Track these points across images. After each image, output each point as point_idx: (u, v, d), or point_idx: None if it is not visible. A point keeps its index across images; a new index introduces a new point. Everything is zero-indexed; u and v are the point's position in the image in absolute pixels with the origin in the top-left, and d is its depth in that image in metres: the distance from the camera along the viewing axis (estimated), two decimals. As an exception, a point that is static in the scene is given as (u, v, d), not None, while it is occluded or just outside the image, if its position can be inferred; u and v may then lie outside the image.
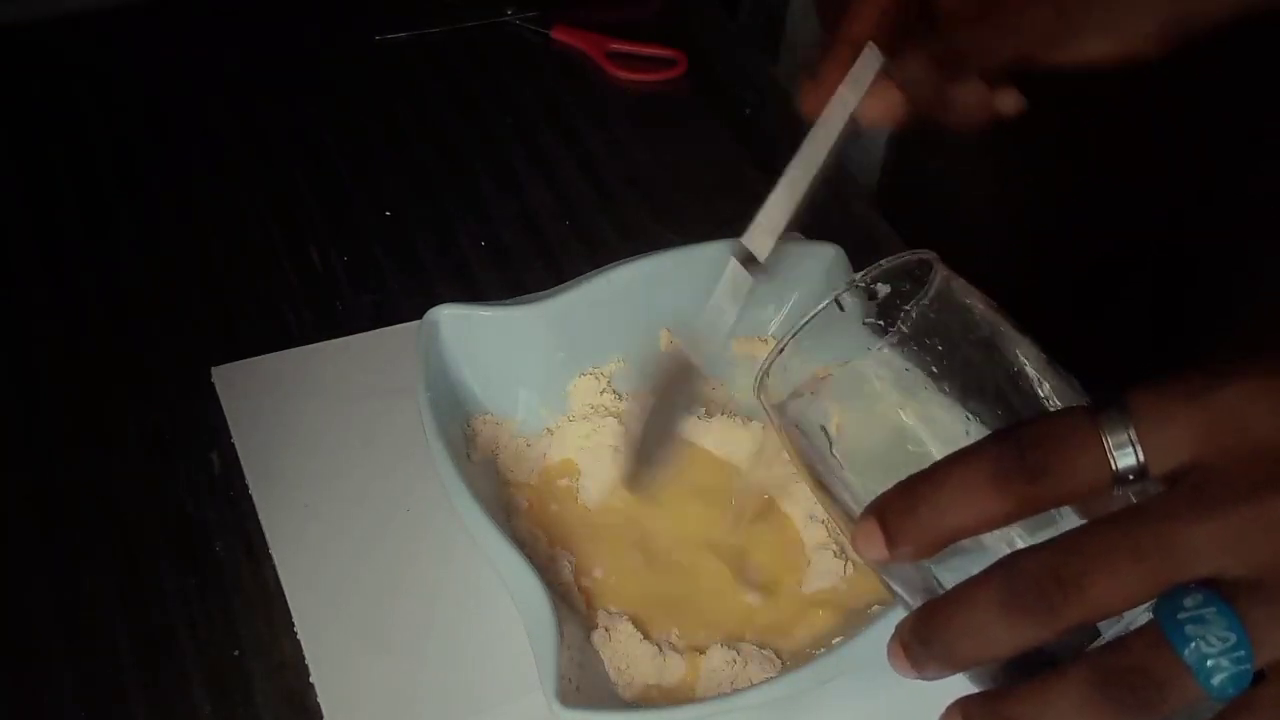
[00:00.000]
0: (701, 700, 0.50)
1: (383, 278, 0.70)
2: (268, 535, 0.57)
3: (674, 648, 0.53)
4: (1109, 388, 0.35)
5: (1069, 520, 0.35)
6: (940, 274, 0.39)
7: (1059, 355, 0.39)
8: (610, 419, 0.59)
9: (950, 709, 0.35)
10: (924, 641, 0.35)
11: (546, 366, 0.60)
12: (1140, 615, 0.33)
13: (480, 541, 0.51)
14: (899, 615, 0.50)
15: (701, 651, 0.53)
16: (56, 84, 0.80)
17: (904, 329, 0.38)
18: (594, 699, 0.49)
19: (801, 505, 0.59)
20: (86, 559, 0.56)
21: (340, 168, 0.76)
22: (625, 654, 0.52)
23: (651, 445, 0.56)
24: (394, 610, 0.55)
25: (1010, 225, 0.79)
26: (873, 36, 0.52)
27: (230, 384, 0.63)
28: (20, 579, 0.55)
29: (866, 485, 0.38)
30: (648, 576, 0.56)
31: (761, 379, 0.41)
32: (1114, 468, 0.33)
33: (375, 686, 0.52)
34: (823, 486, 0.39)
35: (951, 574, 0.36)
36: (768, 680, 0.50)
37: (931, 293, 0.39)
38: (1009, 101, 0.53)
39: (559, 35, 0.86)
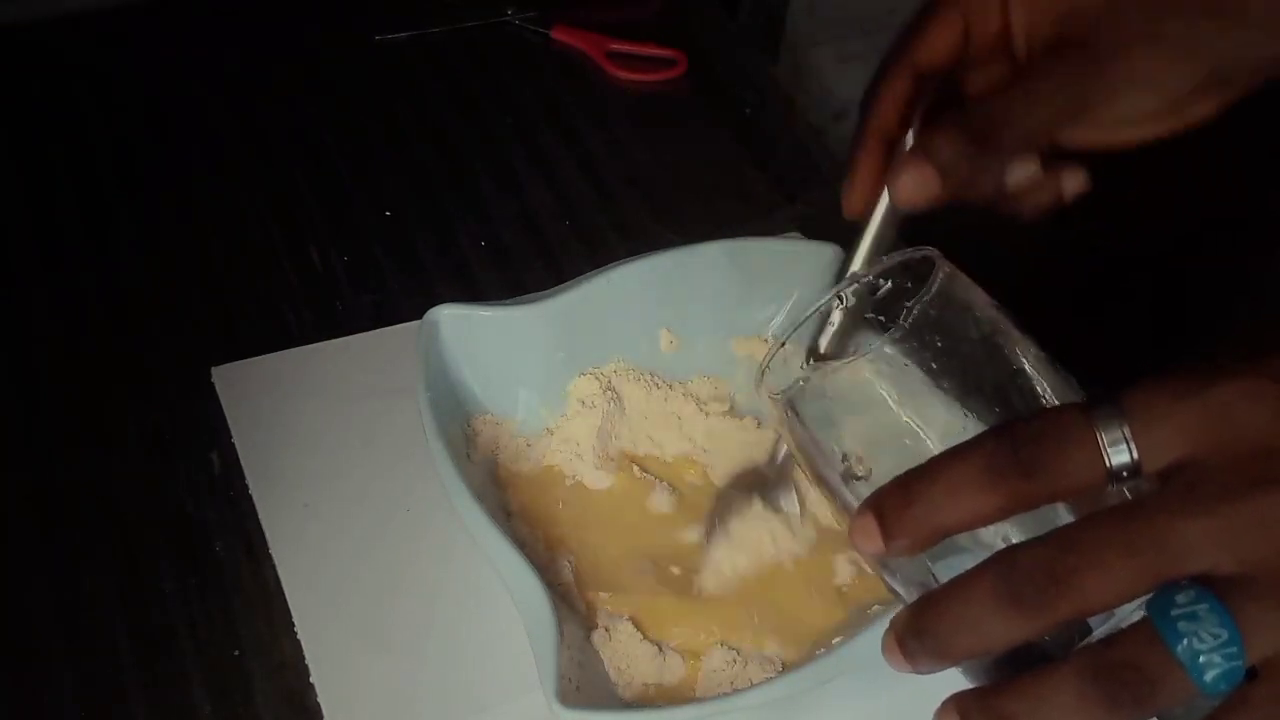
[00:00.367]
0: (701, 700, 0.50)
1: (383, 278, 0.70)
2: (268, 535, 0.57)
3: (674, 648, 0.53)
4: (1108, 387, 0.35)
5: (1064, 518, 0.36)
6: (943, 271, 0.39)
7: (1059, 355, 0.39)
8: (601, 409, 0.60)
9: (945, 705, 0.36)
10: (918, 634, 0.35)
11: (546, 366, 0.60)
12: (1133, 612, 0.34)
13: (480, 541, 0.51)
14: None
15: (701, 652, 0.53)
16: (56, 84, 0.80)
17: (905, 325, 0.38)
18: (594, 699, 0.49)
19: (808, 509, 0.59)
20: (86, 559, 0.56)
21: (340, 168, 0.76)
22: (625, 654, 0.52)
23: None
24: (394, 610, 0.55)
25: (1010, 225, 0.79)
26: (900, 122, 0.50)
27: (230, 384, 0.63)
28: (20, 579, 0.55)
29: (864, 479, 0.38)
30: (648, 577, 0.56)
31: (762, 373, 0.41)
32: (1108, 465, 0.33)
33: (375, 686, 0.52)
34: (822, 480, 0.40)
35: (948, 571, 0.36)
36: (768, 680, 0.50)
37: (934, 289, 0.39)
38: (1073, 181, 0.51)
39: (559, 35, 0.86)
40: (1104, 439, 0.33)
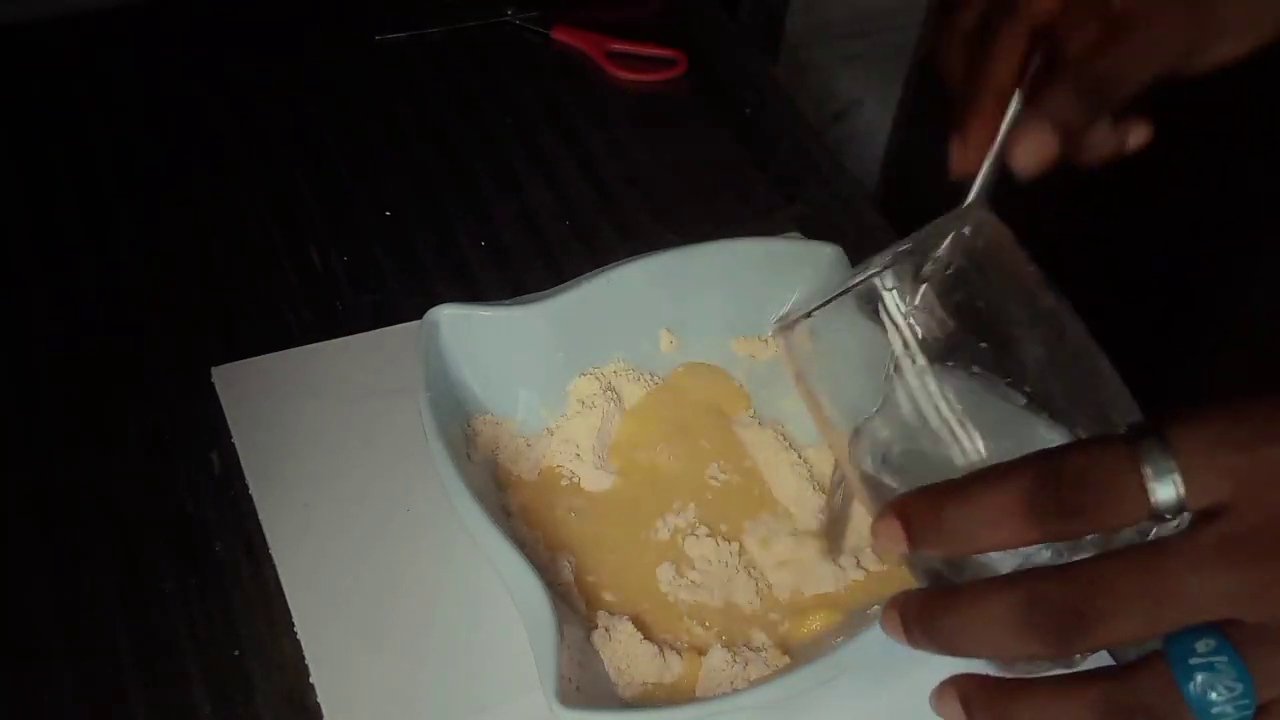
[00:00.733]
0: (701, 700, 0.50)
1: (383, 278, 0.70)
2: (268, 535, 0.57)
3: (674, 648, 0.53)
4: (1147, 412, 0.35)
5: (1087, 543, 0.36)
6: (985, 230, 0.38)
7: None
8: (601, 409, 0.60)
9: (946, 688, 0.35)
10: (926, 625, 0.35)
11: (546, 366, 0.60)
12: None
13: (480, 541, 0.51)
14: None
15: (702, 652, 0.53)
16: (56, 84, 0.80)
17: (935, 289, 0.37)
18: (594, 699, 0.49)
19: (810, 510, 0.59)
20: (86, 559, 0.56)
21: (340, 168, 0.76)
22: (625, 654, 0.52)
23: (844, 512, 0.56)
24: (394, 610, 0.55)
25: (1010, 224, 0.79)
26: (1015, 80, 0.49)
27: (230, 384, 0.63)
28: (20, 579, 0.55)
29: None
30: (648, 577, 0.56)
31: (783, 323, 0.41)
32: (1150, 505, 0.33)
33: (375, 686, 0.52)
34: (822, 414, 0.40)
35: (961, 567, 0.36)
36: (768, 680, 0.50)
37: (972, 249, 0.37)
38: (1140, 133, 0.51)
39: (559, 35, 0.86)
40: (1150, 477, 0.33)
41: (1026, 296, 0.39)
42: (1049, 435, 0.38)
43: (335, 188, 0.75)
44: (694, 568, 0.56)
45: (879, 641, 0.49)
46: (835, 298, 0.42)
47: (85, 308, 0.67)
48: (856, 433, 0.41)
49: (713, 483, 0.60)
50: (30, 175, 0.74)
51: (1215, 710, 0.31)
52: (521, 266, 0.71)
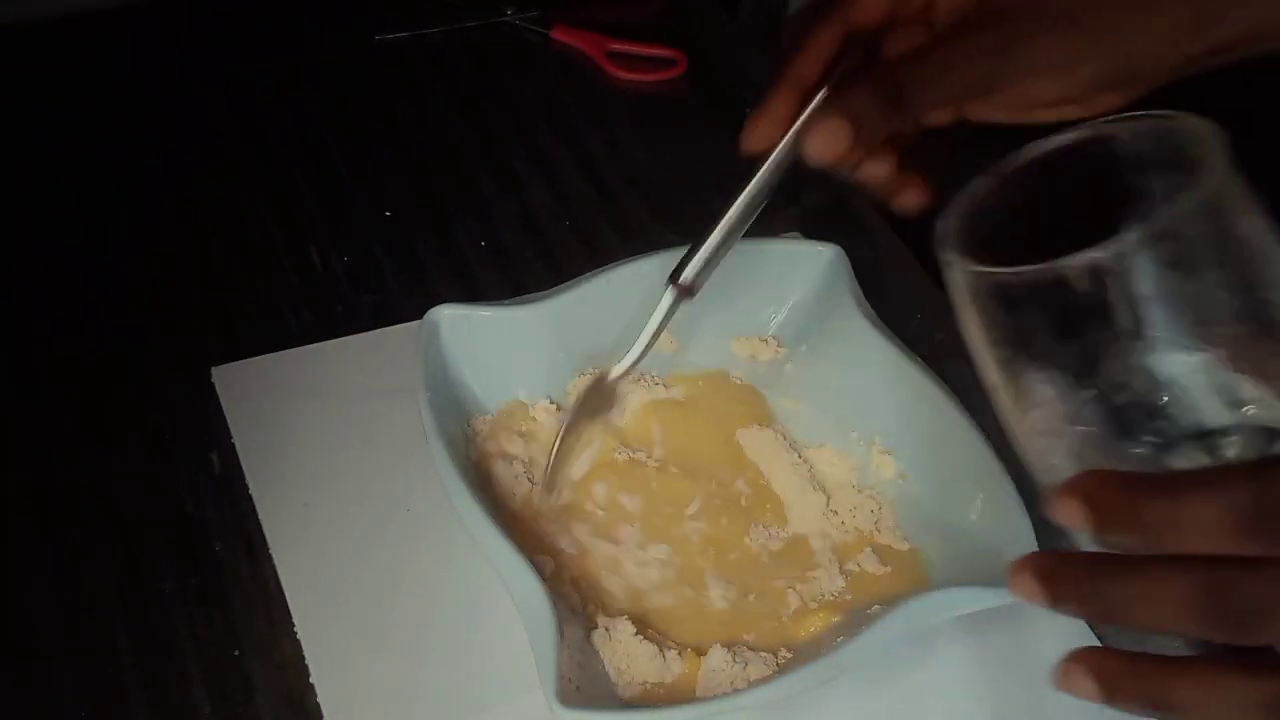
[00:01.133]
0: (702, 700, 0.50)
1: (383, 278, 0.70)
2: (268, 535, 0.57)
3: (673, 647, 0.53)
4: None
5: None
6: (1218, 165, 0.35)
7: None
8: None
9: (1074, 664, 0.34)
10: (1088, 586, 0.34)
11: (547, 366, 0.60)
12: None
13: (480, 541, 0.51)
14: (899, 618, 0.50)
15: (701, 652, 0.53)
16: (56, 84, 0.80)
17: (1150, 228, 0.35)
18: (594, 699, 0.49)
19: (811, 510, 0.59)
20: (86, 559, 0.56)
21: (340, 168, 0.76)
22: (625, 654, 0.52)
23: (566, 456, 0.57)
24: (394, 610, 0.55)
25: (1012, 226, 0.79)
26: (820, 75, 0.51)
27: (230, 384, 0.63)
28: (20, 579, 0.55)
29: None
30: (648, 576, 0.56)
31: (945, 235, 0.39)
32: None
33: (375, 686, 0.52)
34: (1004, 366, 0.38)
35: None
36: (768, 680, 0.50)
37: (1202, 191, 0.35)
38: (913, 196, 0.53)
39: (559, 35, 0.86)
40: None
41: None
42: None
43: (335, 188, 0.75)
44: (694, 567, 0.56)
45: (879, 641, 0.49)
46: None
47: (85, 308, 0.67)
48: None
49: (714, 483, 0.60)
50: (30, 175, 0.74)
51: None
52: (521, 266, 0.71)
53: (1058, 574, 0.35)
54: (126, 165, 0.75)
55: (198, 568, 0.56)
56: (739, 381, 0.63)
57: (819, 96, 0.51)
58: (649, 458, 0.60)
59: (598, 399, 0.57)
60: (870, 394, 0.60)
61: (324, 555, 0.56)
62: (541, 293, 0.60)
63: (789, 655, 0.53)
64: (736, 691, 0.50)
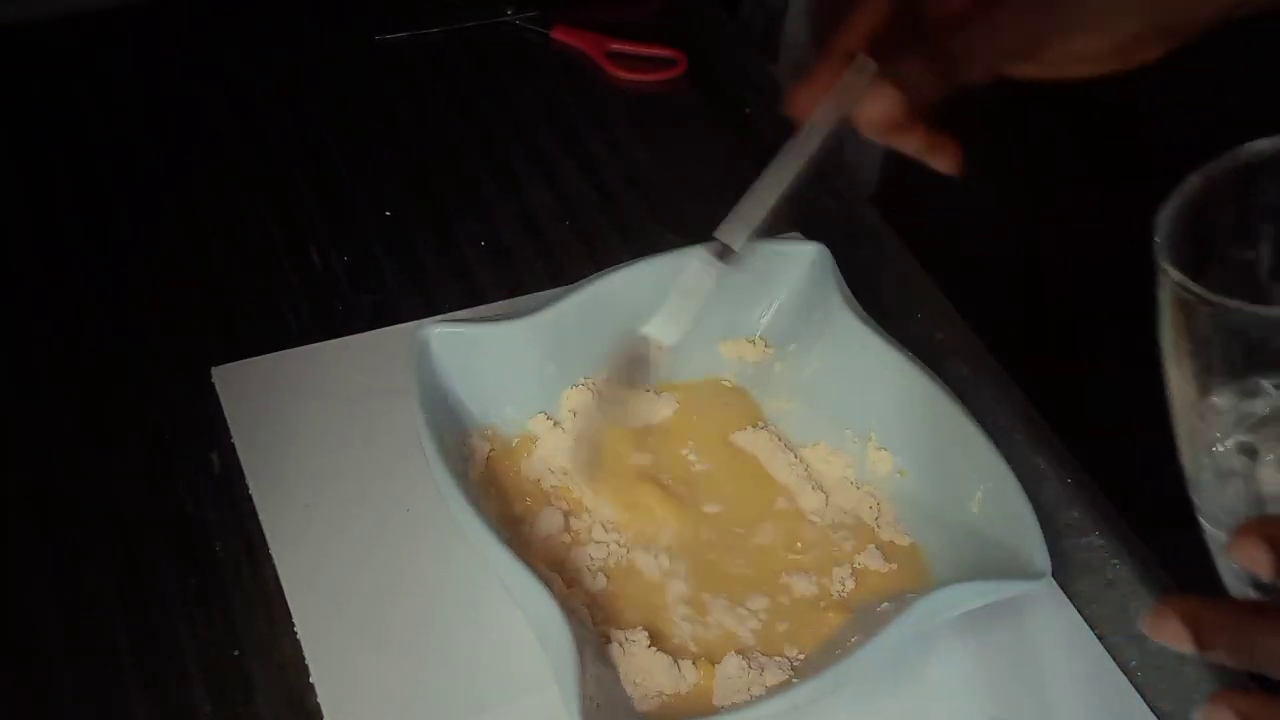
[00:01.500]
0: (726, 710, 0.50)
1: (383, 278, 0.70)
2: (268, 535, 0.57)
3: (687, 656, 0.53)
4: (1110, 379, 0.34)
5: None
6: None
7: (1059, 352, 0.39)
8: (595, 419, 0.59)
9: (1168, 607, 0.34)
10: (1242, 638, 0.34)
11: (538, 380, 0.59)
12: None
13: (492, 562, 0.50)
14: (914, 615, 0.50)
15: (715, 660, 0.52)
16: (56, 84, 0.80)
17: None
18: (615, 715, 0.48)
19: (812, 510, 0.59)
20: (86, 559, 0.56)
21: (340, 168, 0.76)
22: (640, 667, 0.51)
23: (600, 429, 0.57)
24: (394, 610, 0.55)
25: (1011, 225, 0.79)
26: (866, 48, 0.51)
27: (230, 384, 0.63)
28: (20, 579, 0.55)
29: None
30: (656, 585, 0.56)
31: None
32: None
33: (375, 686, 0.52)
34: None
35: None
36: (789, 687, 0.50)
37: None
38: (948, 156, 0.53)
39: (559, 35, 0.86)
40: None
41: None
42: None
43: (335, 188, 0.75)
44: (700, 572, 0.56)
45: (895, 640, 0.49)
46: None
47: (85, 308, 0.67)
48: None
49: (715, 485, 0.60)
50: (30, 175, 0.74)
51: None
52: (521, 266, 0.71)
53: (1206, 620, 0.34)
54: (126, 165, 0.75)
55: (198, 568, 0.56)
56: (729, 384, 0.63)
57: (872, 67, 0.51)
58: (653, 465, 0.60)
59: (636, 369, 0.56)
60: (862, 390, 0.60)
61: (324, 555, 0.56)
62: (532, 303, 0.59)
63: (802, 658, 0.53)
64: (758, 699, 0.50)
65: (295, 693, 0.52)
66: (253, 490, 0.59)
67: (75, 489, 0.59)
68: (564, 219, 0.75)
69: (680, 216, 0.75)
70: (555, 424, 0.60)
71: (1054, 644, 0.56)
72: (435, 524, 0.57)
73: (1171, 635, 0.34)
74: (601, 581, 0.55)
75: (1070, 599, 0.58)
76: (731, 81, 0.86)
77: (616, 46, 0.85)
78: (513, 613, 0.52)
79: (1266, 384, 0.37)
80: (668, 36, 0.86)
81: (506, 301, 0.68)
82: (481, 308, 0.68)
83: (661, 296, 0.60)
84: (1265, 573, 0.34)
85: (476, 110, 0.82)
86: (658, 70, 0.85)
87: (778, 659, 0.53)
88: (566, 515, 0.57)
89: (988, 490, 0.55)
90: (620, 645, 0.52)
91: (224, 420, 0.61)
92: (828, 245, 0.63)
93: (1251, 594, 0.37)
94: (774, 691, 0.50)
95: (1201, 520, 0.38)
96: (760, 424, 0.62)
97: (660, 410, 0.61)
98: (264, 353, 0.64)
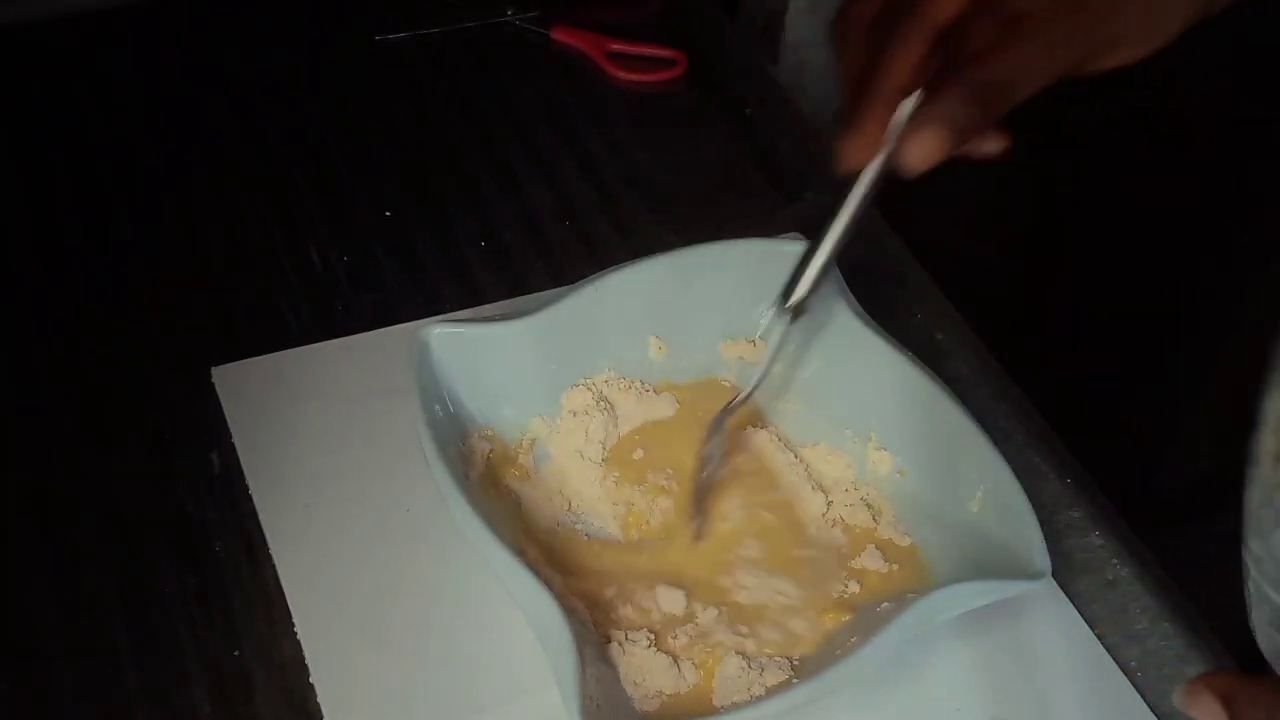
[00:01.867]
0: (726, 710, 0.50)
1: (383, 278, 0.70)
2: (268, 535, 0.57)
3: (687, 657, 0.53)
4: (1109, 378, 0.34)
5: None
6: None
7: (1057, 353, 0.39)
8: (591, 416, 0.59)
9: (1202, 684, 0.34)
10: (1275, 713, 0.34)
11: (538, 380, 0.59)
12: None
13: (493, 564, 0.50)
14: (914, 615, 0.50)
15: (715, 660, 0.52)
16: (56, 84, 0.80)
17: None
18: (615, 715, 0.49)
19: (813, 510, 0.59)
20: (86, 559, 0.56)
21: (340, 168, 0.76)
22: (640, 667, 0.51)
23: (703, 495, 0.57)
24: (394, 610, 0.55)
25: (1011, 225, 0.79)
26: (916, 87, 0.49)
27: (230, 384, 0.63)
28: (20, 579, 0.55)
29: None
30: (657, 586, 0.56)
31: None
32: None
33: (375, 686, 0.52)
34: None
35: None
36: (789, 687, 0.50)
37: None
38: (995, 143, 0.51)
39: (559, 35, 0.86)
40: None
41: None
42: None
43: (335, 188, 0.75)
44: (700, 573, 0.56)
45: (896, 640, 0.49)
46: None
47: (85, 308, 0.67)
48: None
49: (715, 485, 0.60)
50: (30, 175, 0.74)
51: None
52: (521, 266, 0.71)
53: (1244, 697, 0.34)
54: (126, 165, 0.75)
55: (198, 568, 0.56)
56: (729, 384, 0.63)
57: (911, 104, 0.49)
58: (653, 465, 0.60)
59: (718, 432, 0.57)
60: (862, 390, 0.60)
61: (324, 555, 0.56)
62: (532, 304, 0.59)
63: (801, 658, 0.53)
64: (758, 699, 0.50)
65: (295, 693, 0.52)
66: (253, 490, 0.59)
67: (75, 489, 0.59)
68: (564, 219, 0.75)
69: (680, 216, 0.75)
70: (555, 424, 0.60)
71: (1054, 644, 0.56)
72: (435, 524, 0.57)
73: (1205, 711, 0.34)
74: (602, 581, 0.55)
75: (1070, 599, 0.58)
76: (731, 81, 0.86)
77: (616, 47, 0.85)
78: (513, 613, 0.52)
79: None
80: (668, 37, 0.86)
81: (507, 301, 0.68)
82: (482, 308, 0.68)
83: (660, 297, 0.61)
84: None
85: (476, 110, 0.82)
86: (658, 70, 0.85)
87: (778, 659, 0.53)
88: (567, 515, 0.57)
89: (987, 490, 0.55)
90: (620, 645, 0.52)
91: (224, 420, 0.61)
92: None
93: None
94: (774, 691, 0.50)
95: (1248, 561, 0.37)
96: (760, 424, 0.62)
97: (660, 410, 0.61)
98: (264, 353, 0.64)
